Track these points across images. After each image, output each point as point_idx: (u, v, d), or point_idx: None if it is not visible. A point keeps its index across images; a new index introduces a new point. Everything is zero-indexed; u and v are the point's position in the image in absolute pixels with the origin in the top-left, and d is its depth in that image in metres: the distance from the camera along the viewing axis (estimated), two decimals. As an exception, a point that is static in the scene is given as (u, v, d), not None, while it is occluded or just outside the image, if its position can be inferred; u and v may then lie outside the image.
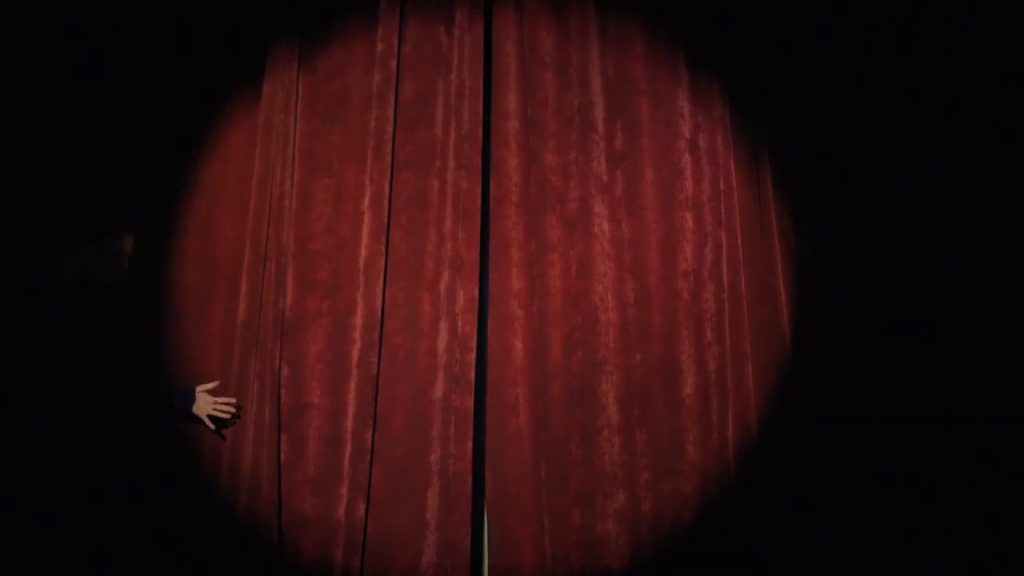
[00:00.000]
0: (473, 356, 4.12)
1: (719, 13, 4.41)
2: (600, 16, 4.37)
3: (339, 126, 4.25)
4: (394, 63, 4.24)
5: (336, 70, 4.28)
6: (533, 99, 4.31)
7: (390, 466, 4.08)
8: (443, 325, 4.16)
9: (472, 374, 4.11)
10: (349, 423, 4.08)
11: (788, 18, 4.43)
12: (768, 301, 4.32)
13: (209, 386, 3.91)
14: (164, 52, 4.16)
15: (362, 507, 4.02)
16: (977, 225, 4.37)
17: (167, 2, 4.18)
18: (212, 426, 3.93)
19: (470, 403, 4.09)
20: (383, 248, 4.17)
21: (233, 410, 3.92)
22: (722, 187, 4.36)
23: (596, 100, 4.33)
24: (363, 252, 4.19)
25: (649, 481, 4.16)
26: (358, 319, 4.14)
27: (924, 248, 4.33)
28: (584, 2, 4.37)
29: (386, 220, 4.19)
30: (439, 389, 4.12)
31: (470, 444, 4.06)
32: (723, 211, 4.35)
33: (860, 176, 4.38)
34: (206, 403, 3.88)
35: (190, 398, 3.85)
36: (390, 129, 4.22)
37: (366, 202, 4.21)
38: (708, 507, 4.21)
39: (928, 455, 4.23)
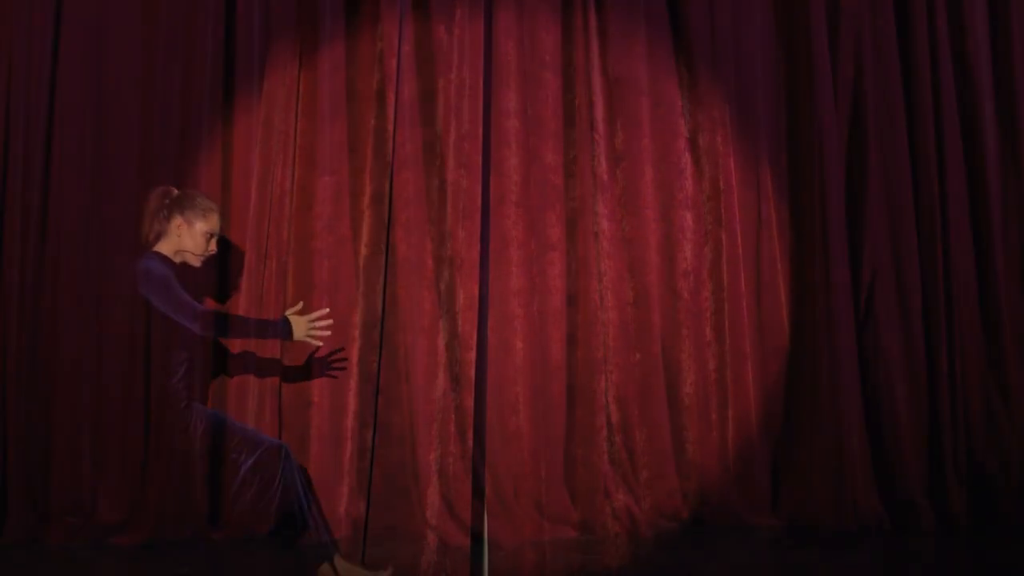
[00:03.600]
0: (473, 355, 4.11)
1: (720, 13, 4.41)
2: (600, 15, 4.37)
3: (340, 124, 4.24)
4: (394, 62, 4.23)
5: (336, 68, 4.26)
6: (533, 98, 4.31)
7: (390, 465, 4.07)
8: (443, 324, 4.16)
9: (472, 373, 4.10)
10: (349, 422, 4.08)
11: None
12: (767, 299, 4.34)
13: (296, 308, 3.79)
14: (163, 50, 4.14)
15: (362, 506, 4.01)
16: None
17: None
18: (318, 344, 3.81)
19: (470, 402, 4.08)
20: (383, 247, 4.16)
21: (329, 321, 3.76)
22: (722, 186, 4.37)
23: (596, 99, 4.32)
24: (363, 251, 4.19)
25: (648, 480, 4.17)
26: (358, 318, 4.14)
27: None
28: (585, 1, 4.36)
29: (386, 219, 4.18)
30: (439, 388, 4.11)
31: (470, 443, 4.05)
32: (723, 210, 4.36)
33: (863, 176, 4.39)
34: (301, 327, 3.74)
35: (287, 328, 3.72)
36: (390, 128, 4.21)
37: (366, 200, 4.20)
38: (707, 506, 4.23)
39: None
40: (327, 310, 3.78)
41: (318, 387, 4.07)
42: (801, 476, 4.23)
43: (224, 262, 4.08)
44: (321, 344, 3.85)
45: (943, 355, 4.25)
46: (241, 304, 4.10)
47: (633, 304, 4.28)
